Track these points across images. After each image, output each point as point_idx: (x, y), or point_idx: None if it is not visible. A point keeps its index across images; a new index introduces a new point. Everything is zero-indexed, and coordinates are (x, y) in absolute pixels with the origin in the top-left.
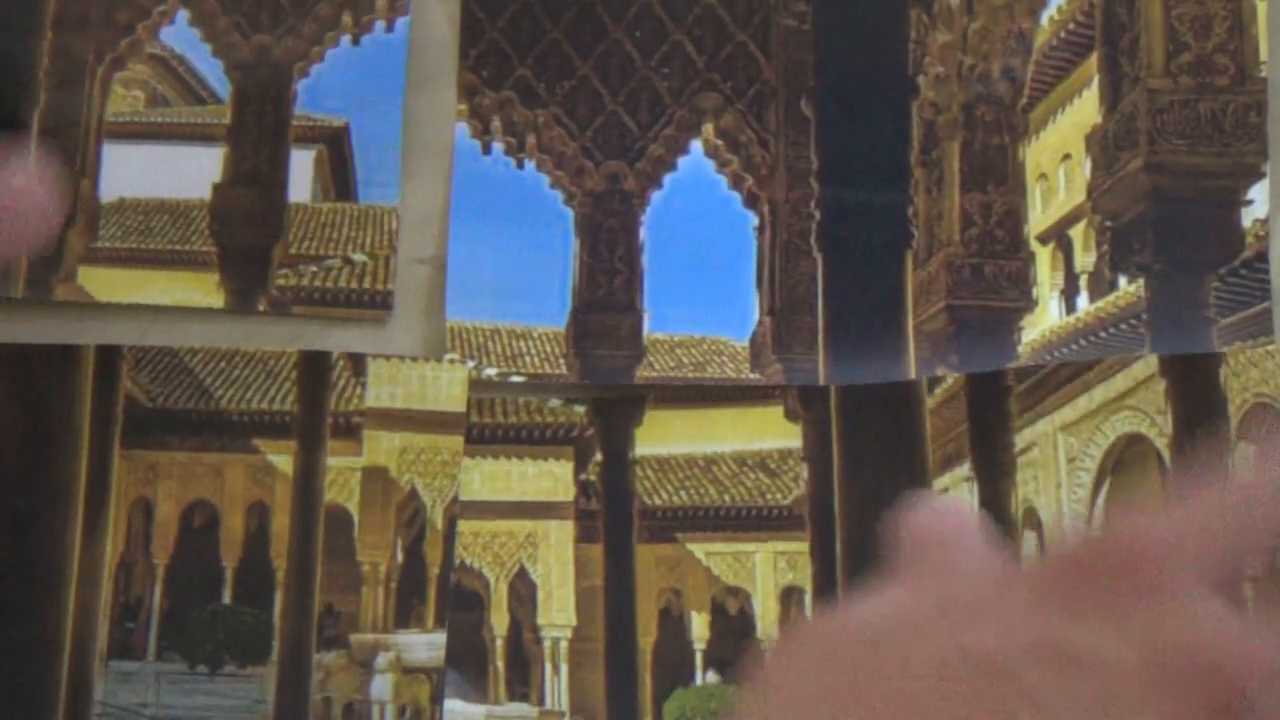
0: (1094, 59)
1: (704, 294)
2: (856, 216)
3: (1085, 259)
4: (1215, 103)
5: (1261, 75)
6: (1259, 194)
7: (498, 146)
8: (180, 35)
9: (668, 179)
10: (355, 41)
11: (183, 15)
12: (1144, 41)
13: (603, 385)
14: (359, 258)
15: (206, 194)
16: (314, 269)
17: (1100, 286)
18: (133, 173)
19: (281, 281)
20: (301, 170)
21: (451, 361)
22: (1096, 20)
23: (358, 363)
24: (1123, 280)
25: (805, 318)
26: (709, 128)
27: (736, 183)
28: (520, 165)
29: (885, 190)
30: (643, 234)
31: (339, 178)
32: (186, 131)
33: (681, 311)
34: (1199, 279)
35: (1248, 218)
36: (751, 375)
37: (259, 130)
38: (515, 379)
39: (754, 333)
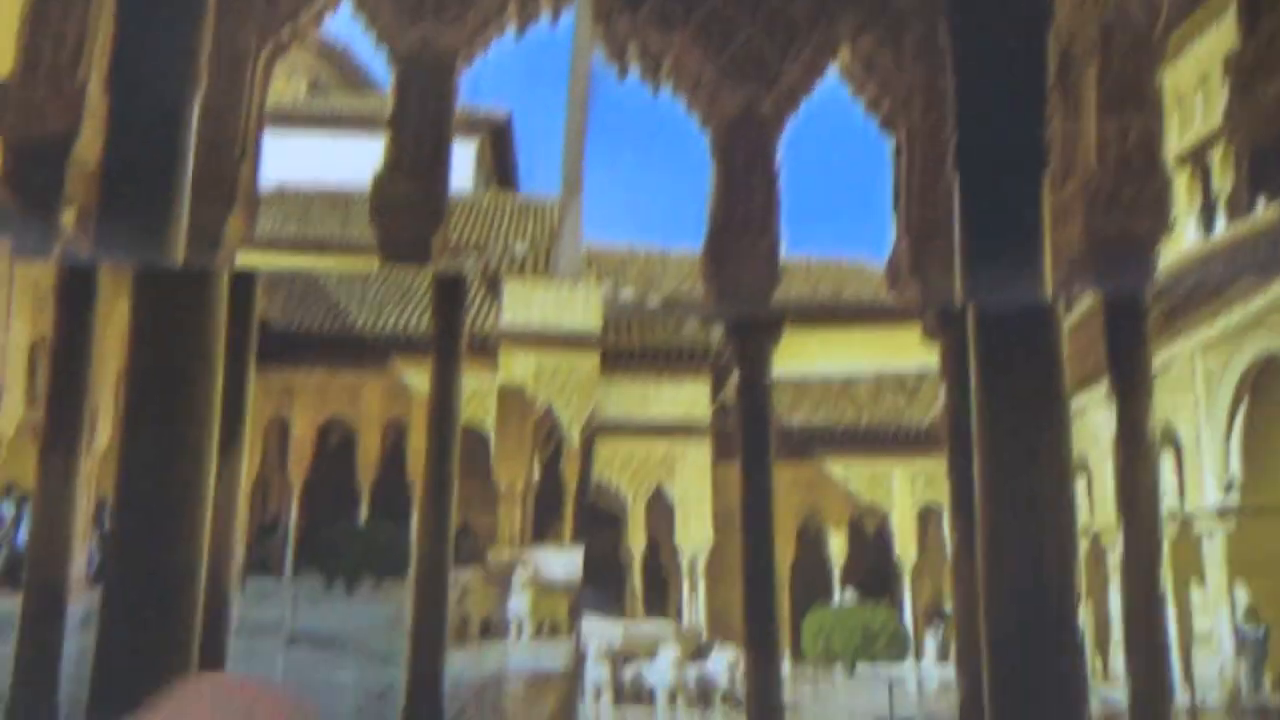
0: None
1: (841, 217)
2: (993, 140)
3: (1223, 182)
4: None
5: None
6: None
7: (636, 71)
8: (343, 24)
9: (803, 101)
10: (520, 32)
11: (347, 4)
12: None
13: (740, 307)
14: (520, 247)
15: (367, 183)
16: (474, 259)
17: (1238, 209)
18: (293, 160)
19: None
20: (463, 160)
21: (588, 283)
22: None
23: (493, 284)
24: (1261, 202)
25: (942, 240)
26: (845, 52)
27: (873, 106)
28: (656, 90)
29: (1022, 114)
30: (779, 158)
31: (501, 168)
32: (347, 120)
33: (819, 233)
34: None
35: None
36: (889, 296)
37: (421, 120)
38: (652, 301)
39: (891, 255)
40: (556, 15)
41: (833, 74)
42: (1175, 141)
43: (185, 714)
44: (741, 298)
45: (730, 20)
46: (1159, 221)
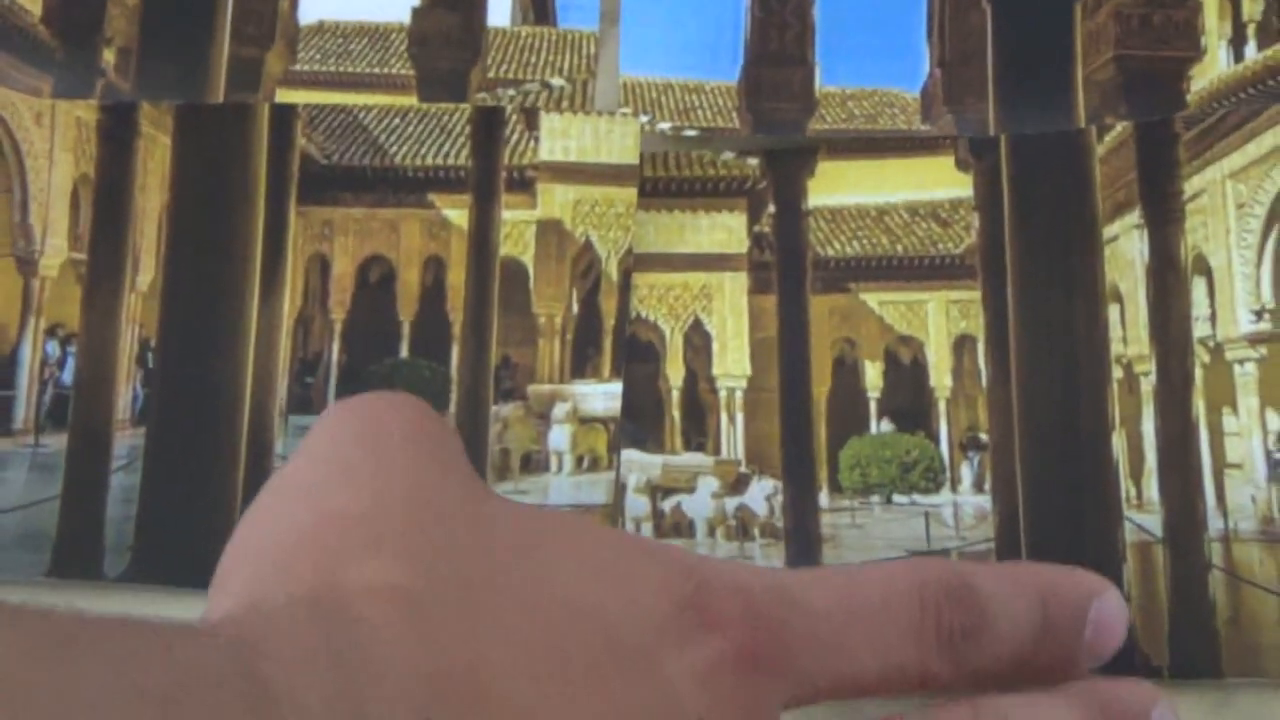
0: None
1: (875, 47)
2: None
3: (1253, 8)
4: None
5: None
6: None
7: None
8: None
9: None
10: None
11: None
12: None
13: (776, 138)
14: (557, 82)
15: (406, 17)
16: (512, 93)
17: (1268, 35)
18: None
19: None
20: None
21: (625, 115)
22: None
23: (531, 117)
24: None
25: (975, 69)
26: None
27: None
28: None
29: None
30: None
31: (538, 2)
32: None
33: (853, 65)
34: None
35: None
36: (923, 126)
37: None
38: (688, 133)
39: (925, 85)
40: None
41: None
42: None
43: (316, 436)
44: (777, 128)
45: None
46: (1190, 49)
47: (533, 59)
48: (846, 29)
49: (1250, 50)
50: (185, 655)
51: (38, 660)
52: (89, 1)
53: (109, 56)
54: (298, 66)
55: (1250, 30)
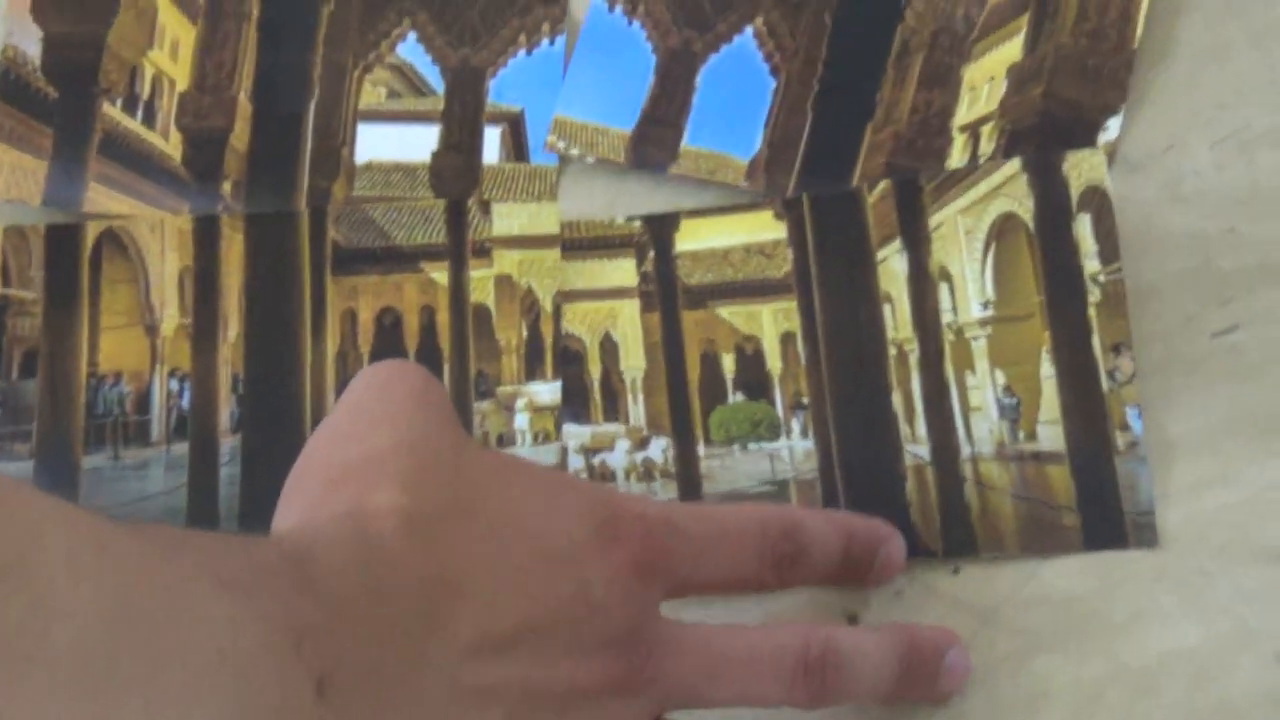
0: (1026, 16)
1: (728, 124)
2: (842, 95)
3: (987, 147)
4: (1099, 60)
5: (1133, 47)
6: (1113, 124)
7: (619, 9)
8: (410, 49)
9: (724, 49)
10: (529, 52)
11: (413, 35)
12: (1062, 12)
13: (649, 214)
14: (530, 204)
15: (427, 158)
16: (497, 208)
17: (994, 163)
18: (379, 143)
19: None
20: (492, 142)
21: (551, 202)
22: None
23: (485, 206)
24: (1010, 162)
25: (791, 151)
26: (760, 19)
27: (768, 58)
28: (630, 22)
29: (866, 79)
30: (699, 80)
31: (517, 146)
32: (413, 115)
33: (710, 133)
34: (1058, 160)
35: (1101, 139)
36: (745, 183)
37: (463, 115)
38: (589, 160)
39: (754, 155)
40: (554, 37)
41: (749, 32)
42: (962, 115)
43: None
44: (650, 163)
45: None
46: (940, 163)
47: (513, 185)
48: (713, 108)
49: (983, 135)
50: (257, 555)
51: (151, 557)
52: (213, 150)
53: (227, 187)
54: (355, 192)
55: (981, 159)
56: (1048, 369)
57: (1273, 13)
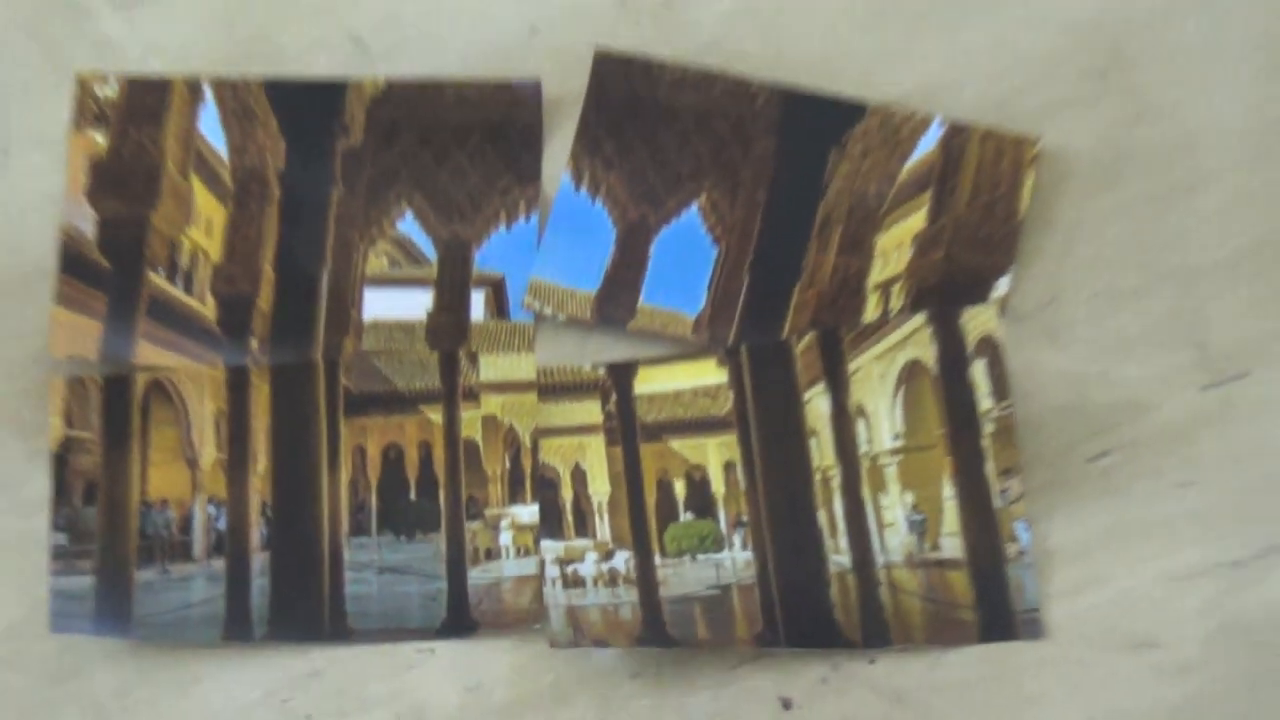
0: (929, 192)
1: (678, 286)
2: (773, 261)
3: (896, 303)
4: (991, 228)
5: (1019, 218)
6: (1003, 283)
7: (584, 190)
8: (408, 225)
9: (674, 222)
10: (509, 228)
11: (410, 214)
12: (959, 189)
13: (612, 363)
14: (511, 355)
15: (424, 317)
16: (484, 358)
17: (903, 317)
18: (382, 305)
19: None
20: (478, 302)
21: (528, 354)
22: (935, 173)
23: (473, 357)
24: (916, 316)
25: (731, 308)
26: (704, 197)
27: (711, 230)
28: (593, 201)
29: (793, 247)
30: (652, 249)
31: (499, 306)
32: (411, 280)
33: (662, 294)
34: (957, 314)
35: (993, 295)
36: (692, 336)
37: (453, 280)
38: (560, 318)
39: (699, 312)
40: (529, 214)
41: (695, 207)
42: (875, 277)
43: None
44: (613, 321)
45: (644, 170)
46: (857, 317)
47: (496, 339)
48: (665, 274)
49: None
50: None
51: None
52: (243, 311)
53: (254, 343)
54: (364, 347)
55: (891, 315)
56: (949, 490)
57: (1135, 188)
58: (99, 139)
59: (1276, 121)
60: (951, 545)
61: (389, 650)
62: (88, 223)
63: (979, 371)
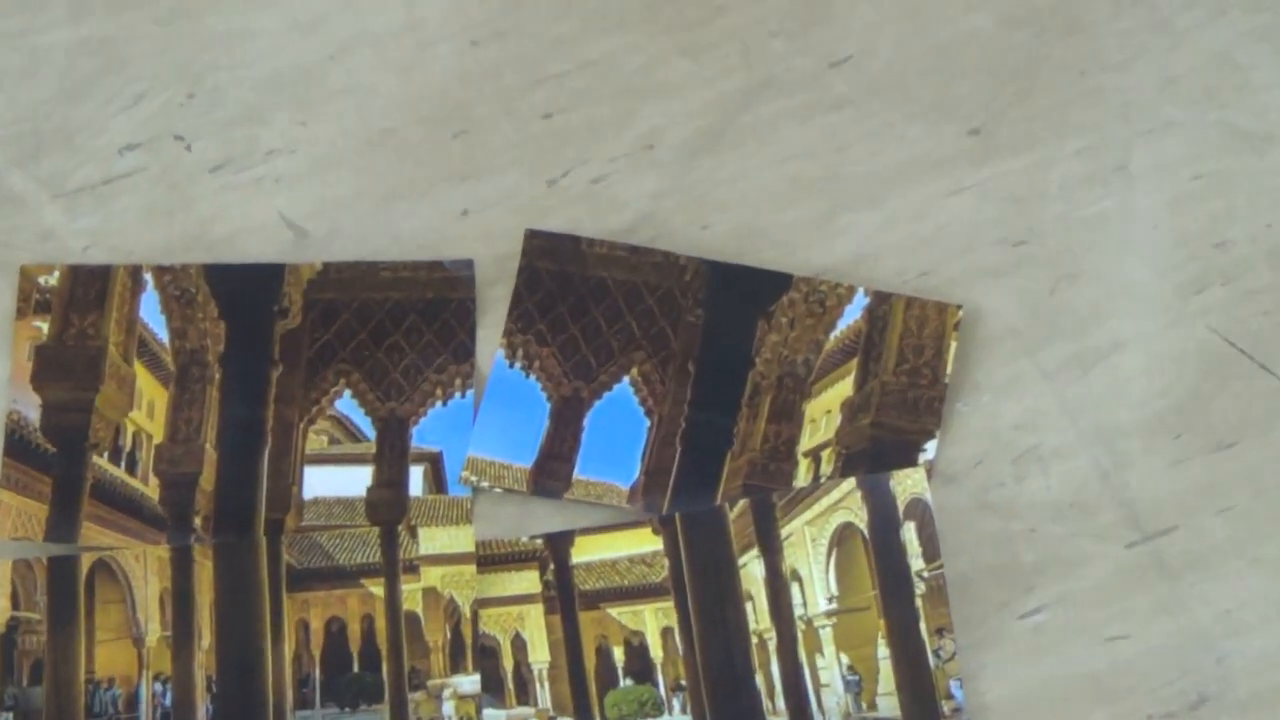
0: (855, 360)
1: (612, 457)
2: (705, 430)
3: (827, 468)
4: (918, 394)
5: (945, 382)
6: (931, 446)
7: (518, 366)
8: (346, 404)
9: (607, 395)
10: (444, 403)
11: (348, 392)
12: (885, 355)
13: (549, 534)
14: (450, 528)
15: (363, 493)
16: (423, 531)
17: (833, 482)
18: (322, 482)
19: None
20: (416, 477)
21: (466, 526)
22: (861, 341)
23: (413, 531)
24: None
25: (665, 477)
26: (635, 370)
27: (643, 402)
28: (527, 376)
29: (724, 415)
30: (586, 422)
31: (437, 481)
32: (351, 458)
33: (597, 465)
34: (888, 479)
35: (921, 458)
36: (627, 506)
37: (391, 456)
38: (498, 490)
39: (634, 482)
40: (464, 391)
41: (627, 381)
42: (805, 443)
43: None
44: (548, 491)
45: (576, 345)
46: (788, 483)
47: (435, 513)
48: (598, 445)
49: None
50: None
51: None
52: (186, 491)
53: (198, 522)
54: (304, 522)
55: (824, 476)
56: (884, 650)
57: (1055, 351)
58: (42, 326)
59: (1188, 284)
60: (887, 705)
61: None
62: (32, 408)
63: (910, 533)
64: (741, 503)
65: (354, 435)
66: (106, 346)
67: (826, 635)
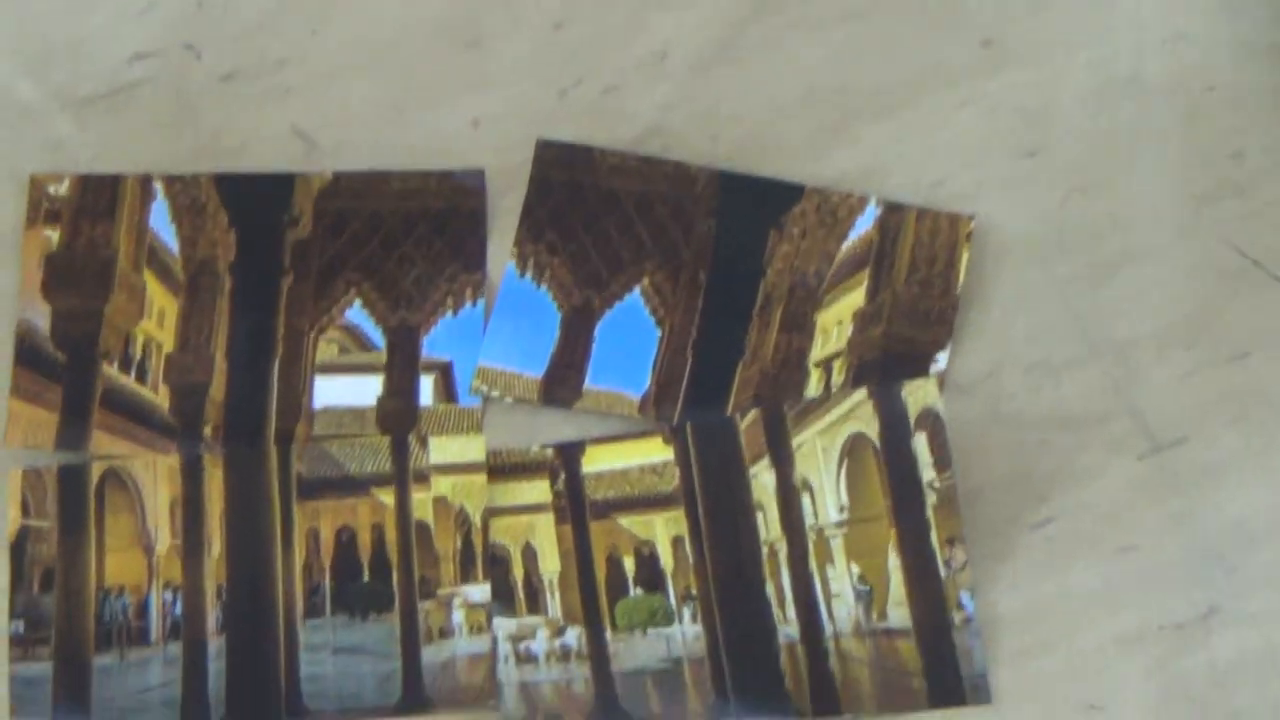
0: (867, 270)
1: (623, 367)
2: (716, 340)
3: (838, 379)
4: (929, 304)
5: (957, 293)
6: (942, 357)
7: (529, 276)
8: (356, 313)
9: (618, 305)
10: (455, 314)
11: (358, 302)
12: (897, 266)
13: (561, 442)
14: (460, 437)
15: (373, 402)
16: (433, 441)
17: (844, 392)
18: (332, 391)
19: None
20: (426, 387)
21: (478, 436)
22: (873, 252)
23: (423, 440)
24: (858, 391)
25: (675, 388)
26: (646, 280)
27: (654, 311)
28: (538, 286)
29: (735, 325)
30: (597, 332)
31: (448, 390)
32: (361, 367)
33: (608, 375)
34: (900, 389)
35: (933, 369)
36: (638, 416)
37: (401, 366)
38: (508, 400)
39: (645, 392)
40: (475, 300)
41: (638, 290)
42: (816, 353)
43: None
44: (559, 400)
45: (587, 255)
46: (799, 393)
47: (445, 422)
48: (609, 355)
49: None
50: None
51: None
52: (196, 400)
53: (208, 431)
54: (314, 432)
55: (834, 387)
56: (894, 561)
57: (1067, 263)
58: (52, 236)
59: (1201, 196)
60: (898, 615)
61: None
62: (42, 317)
63: (921, 444)
64: (753, 413)
65: (364, 344)
66: (116, 256)
67: (837, 545)
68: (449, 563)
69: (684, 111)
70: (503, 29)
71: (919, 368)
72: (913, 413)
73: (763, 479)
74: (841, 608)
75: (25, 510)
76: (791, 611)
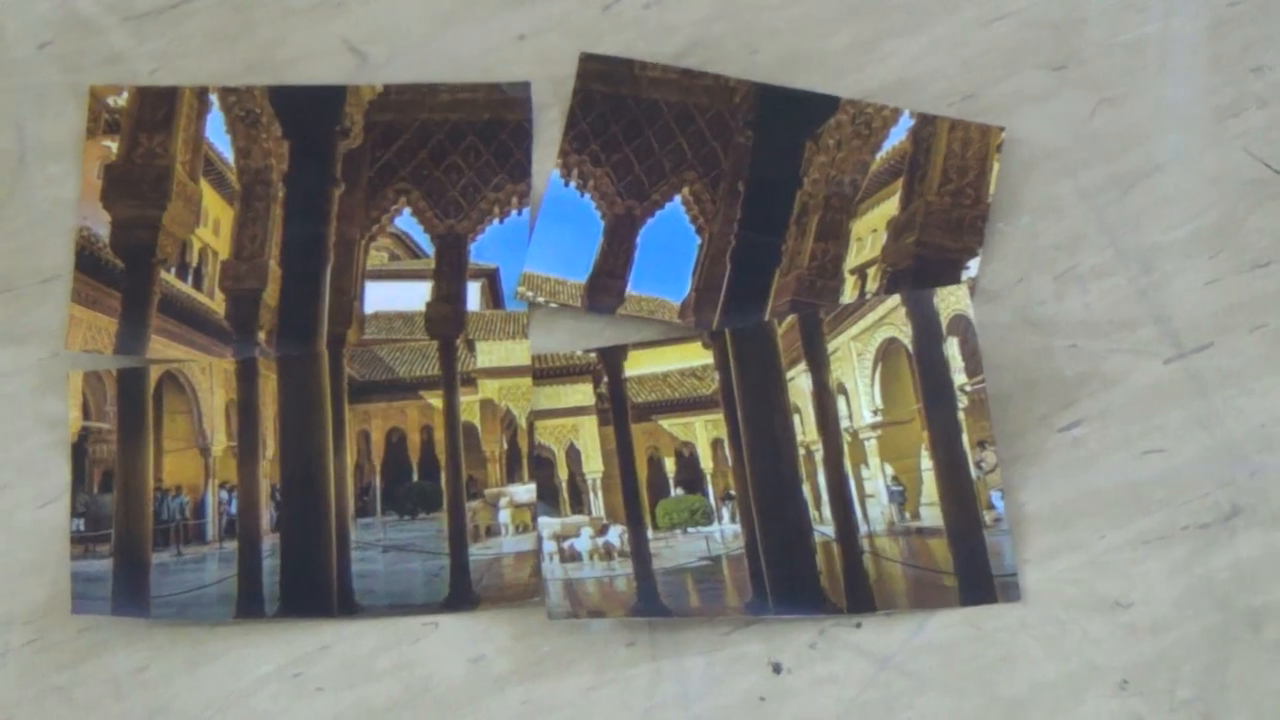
0: (901, 180)
1: (664, 274)
2: (754, 248)
3: (872, 285)
4: (960, 213)
5: (988, 202)
6: (974, 264)
7: (573, 185)
8: (406, 221)
9: (659, 213)
10: (501, 221)
11: (407, 210)
12: (929, 176)
13: (604, 348)
14: (506, 342)
15: (422, 308)
16: (480, 345)
17: (879, 298)
18: (383, 297)
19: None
20: (473, 293)
21: (523, 340)
22: (906, 161)
23: (470, 344)
24: (892, 297)
25: (715, 294)
26: (686, 189)
27: (694, 220)
28: (582, 195)
29: (772, 234)
30: (639, 240)
31: (494, 296)
32: (410, 273)
33: (649, 282)
34: (932, 296)
35: (964, 276)
36: (678, 320)
37: (450, 272)
38: (553, 306)
39: (685, 298)
40: (521, 209)
41: (679, 199)
42: (851, 261)
43: None
44: (602, 307)
45: (629, 165)
46: (835, 300)
47: (492, 328)
48: (650, 262)
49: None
50: None
51: None
52: (250, 306)
53: (262, 336)
54: (365, 335)
55: (869, 293)
56: (927, 462)
57: (1094, 173)
58: (111, 146)
59: (1225, 108)
60: (930, 514)
61: (395, 625)
62: (102, 225)
63: (952, 348)
64: (789, 318)
65: (413, 252)
66: (173, 165)
67: (871, 447)
68: (495, 464)
69: (722, 27)
70: None
71: (951, 275)
72: (944, 318)
73: (799, 382)
74: (875, 507)
75: (86, 412)
76: (827, 511)
